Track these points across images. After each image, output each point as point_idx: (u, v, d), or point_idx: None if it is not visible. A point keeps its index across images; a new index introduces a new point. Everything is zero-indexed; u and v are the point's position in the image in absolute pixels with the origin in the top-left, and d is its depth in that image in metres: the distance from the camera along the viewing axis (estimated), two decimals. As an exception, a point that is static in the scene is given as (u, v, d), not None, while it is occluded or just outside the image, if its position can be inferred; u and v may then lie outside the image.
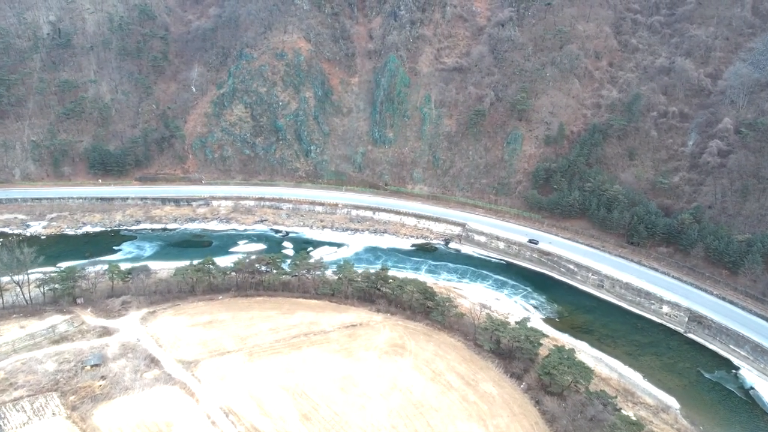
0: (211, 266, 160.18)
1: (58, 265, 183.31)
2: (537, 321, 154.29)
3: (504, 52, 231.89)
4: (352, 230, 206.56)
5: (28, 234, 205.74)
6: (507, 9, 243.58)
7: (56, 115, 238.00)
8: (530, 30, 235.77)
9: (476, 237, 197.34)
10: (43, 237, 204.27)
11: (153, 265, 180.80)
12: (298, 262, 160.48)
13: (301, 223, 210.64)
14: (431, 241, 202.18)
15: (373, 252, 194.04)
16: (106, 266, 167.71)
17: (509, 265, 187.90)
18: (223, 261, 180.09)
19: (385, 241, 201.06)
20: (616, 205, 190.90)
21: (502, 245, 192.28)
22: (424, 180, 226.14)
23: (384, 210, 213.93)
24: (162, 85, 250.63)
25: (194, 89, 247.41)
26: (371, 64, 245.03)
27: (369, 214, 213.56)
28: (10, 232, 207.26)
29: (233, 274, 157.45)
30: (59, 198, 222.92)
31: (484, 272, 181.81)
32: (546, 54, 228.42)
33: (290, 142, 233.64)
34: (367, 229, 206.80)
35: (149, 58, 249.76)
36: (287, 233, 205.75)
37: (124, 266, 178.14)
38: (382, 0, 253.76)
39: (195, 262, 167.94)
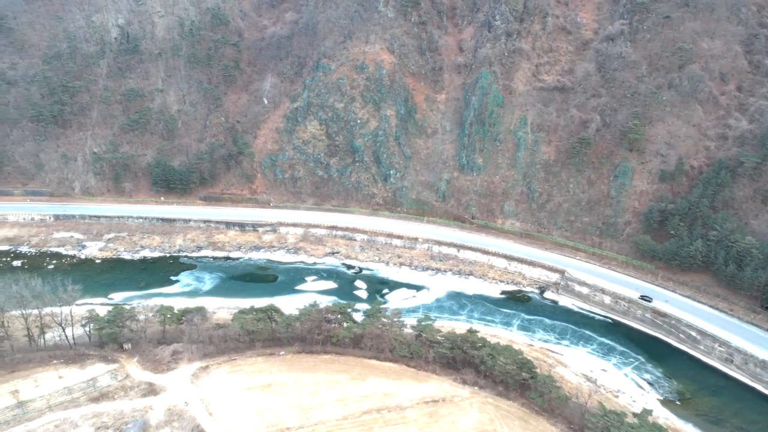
0: (274, 313, 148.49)
1: (110, 296, 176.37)
2: (653, 402, 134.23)
3: (613, 71, 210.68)
4: (433, 270, 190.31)
5: (82, 256, 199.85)
6: (618, 21, 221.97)
7: (120, 126, 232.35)
8: (645, 46, 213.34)
9: (577, 287, 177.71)
10: (98, 261, 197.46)
11: (211, 302, 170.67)
12: (372, 314, 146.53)
13: (377, 258, 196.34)
14: (524, 289, 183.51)
15: (457, 299, 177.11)
16: (158, 306, 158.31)
17: (616, 324, 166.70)
18: (289, 302, 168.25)
19: (471, 286, 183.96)
20: (749, 261, 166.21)
21: (607, 300, 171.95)
22: (517, 214, 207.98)
23: (470, 248, 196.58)
24: (232, 96, 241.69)
25: (266, 101, 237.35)
26: (460, 80, 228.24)
27: (452, 251, 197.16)
28: (65, 253, 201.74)
29: (298, 324, 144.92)
30: (118, 217, 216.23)
31: (587, 332, 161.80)
32: (663, 75, 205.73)
33: (368, 164, 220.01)
34: (450, 270, 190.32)
35: (220, 66, 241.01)
36: (360, 270, 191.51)
37: (181, 302, 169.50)
38: (475, 8, 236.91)
39: (257, 304, 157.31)
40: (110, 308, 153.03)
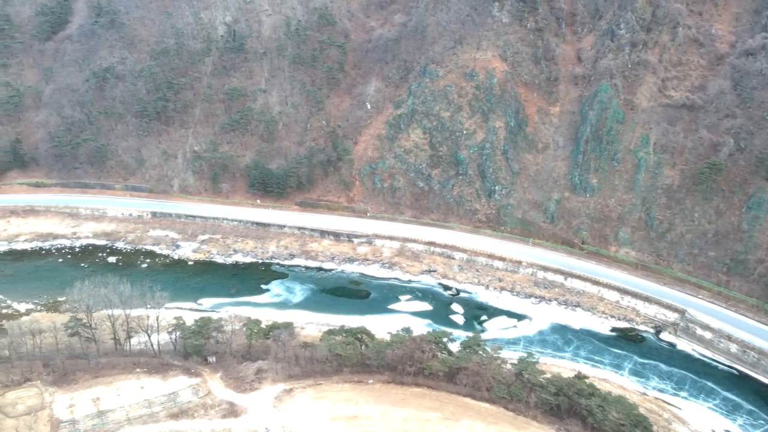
0: (364, 336, 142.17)
1: (199, 301, 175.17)
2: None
3: (751, 90, 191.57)
4: (536, 298, 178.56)
5: (176, 256, 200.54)
6: (759, 35, 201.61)
7: (221, 125, 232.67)
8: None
9: (699, 331, 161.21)
10: (190, 262, 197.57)
11: (300, 316, 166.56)
12: (470, 346, 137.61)
13: (476, 280, 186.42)
14: (637, 327, 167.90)
15: (562, 333, 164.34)
16: (245, 318, 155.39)
17: (743, 377, 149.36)
18: (380, 323, 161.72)
19: (578, 319, 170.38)
20: None
21: (734, 348, 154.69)
22: (632, 243, 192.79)
23: (578, 276, 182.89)
24: (335, 99, 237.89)
25: (369, 106, 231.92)
26: (577, 92, 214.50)
27: (559, 278, 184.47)
28: (159, 252, 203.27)
29: (389, 351, 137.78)
30: (214, 218, 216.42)
31: (709, 384, 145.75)
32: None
33: (471, 178, 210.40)
34: (556, 299, 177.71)
35: (324, 68, 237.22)
36: (458, 292, 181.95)
37: (269, 314, 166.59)
38: (597, 15, 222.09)
39: (347, 323, 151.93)
40: (197, 317, 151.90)
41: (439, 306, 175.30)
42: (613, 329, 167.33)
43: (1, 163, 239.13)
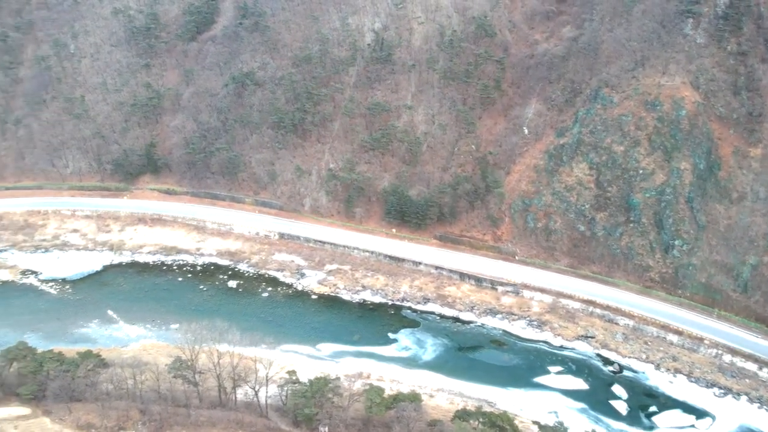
0: (506, 425, 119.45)
1: (317, 345, 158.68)
2: None
3: None
4: (721, 389, 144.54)
5: (299, 287, 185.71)
6: None
7: (360, 143, 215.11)
8: None
9: None
10: (314, 296, 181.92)
11: (429, 379, 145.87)
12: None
13: (644, 356, 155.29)
14: None
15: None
16: (366, 385, 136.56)
17: None
18: (523, 399, 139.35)
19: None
20: None
21: None
22: None
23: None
24: (487, 121, 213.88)
25: (526, 131, 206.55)
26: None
27: (752, 367, 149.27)
28: (282, 280, 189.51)
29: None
30: (344, 246, 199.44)
31: None
32: None
33: (645, 227, 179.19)
34: (746, 394, 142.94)
35: (478, 85, 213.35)
36: (621, 369, 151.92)
37: (394, 372, 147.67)
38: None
39: (483, 395, 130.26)
40: (313, 375, 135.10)
41: (597, 385, 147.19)
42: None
43: (135, 167, 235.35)
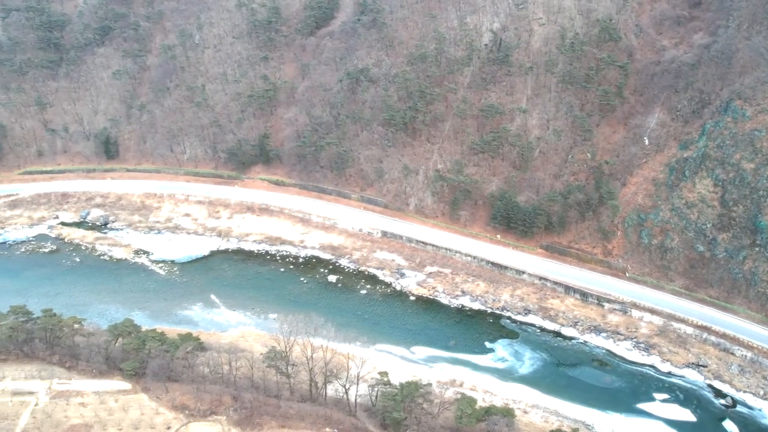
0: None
1: (412, 348, 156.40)
2: None
3: None
4: None
5: (398, 287, 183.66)
6: None
7: (469, 145, 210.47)
8: None
9: None
10: (412, 297, 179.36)
11: (524, 394, 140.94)
12: None
13: (762, 392, 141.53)
14: None
15: None
16: (458, 394, 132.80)
17: None
18: (624, 426, 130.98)
19: None
20: None
21: None
22: None
23: None
24: (605, 129, 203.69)
25: (647, 142, 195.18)
26: None
27: None
28: (381, 278, 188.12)
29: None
30: (446, 248, 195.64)
31: None
32: None
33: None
34: None
35: (598, 91, 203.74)
36: (734, 402, 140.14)
37: (488, 382, 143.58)
38: None
39: (582, 416, 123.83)
40: (404, 379, 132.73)
41: (706, 418, 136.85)
42: None
43: (248, 157, 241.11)
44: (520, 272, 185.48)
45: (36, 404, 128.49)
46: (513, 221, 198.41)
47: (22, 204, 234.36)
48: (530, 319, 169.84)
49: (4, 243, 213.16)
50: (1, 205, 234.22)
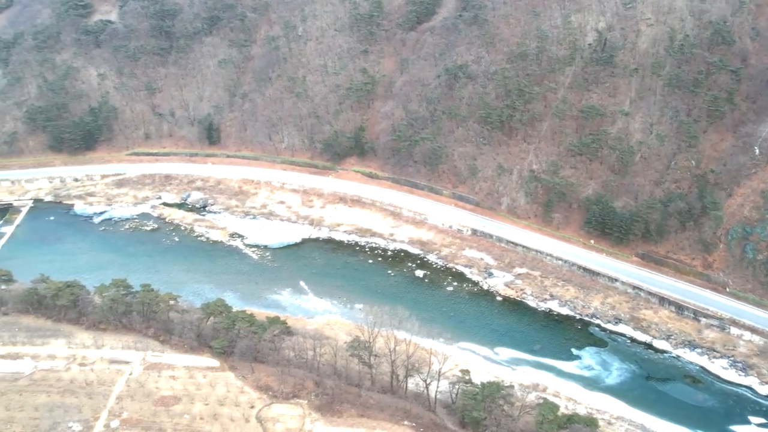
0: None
1: (496, 349, 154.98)
2: None
3: None
4: None
5: (485, 286, 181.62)
6: None
7: (567, 147, 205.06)
8: None
9: None
10: (498, 298, 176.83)
11: (609, 404, 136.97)
12: None
13: None
14: None
15: None
16: (540, 398, 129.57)
17: None
18: None
19: None
20: None
21: None
22: None
23: None
24: (713, 137, 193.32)
25: (758, 152, 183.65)
26: None
27: None
28: (468, 276, 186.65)
29: None
30: (537, 250, 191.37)
31: None
32: None
33: None
34: None
35: (707, 96, 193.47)
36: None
37: (572, 389, 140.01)
38: None
39: None
40: (486, 379, 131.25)
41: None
42: None
43: (343, 149, 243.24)
44: (613, 279, 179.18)
45: (130, 373, 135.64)
46: (608, 227, 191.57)
47: (128, 183, 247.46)
48: (620, 328, 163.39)
49: (110, 219, 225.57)
50: (109, 183, 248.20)
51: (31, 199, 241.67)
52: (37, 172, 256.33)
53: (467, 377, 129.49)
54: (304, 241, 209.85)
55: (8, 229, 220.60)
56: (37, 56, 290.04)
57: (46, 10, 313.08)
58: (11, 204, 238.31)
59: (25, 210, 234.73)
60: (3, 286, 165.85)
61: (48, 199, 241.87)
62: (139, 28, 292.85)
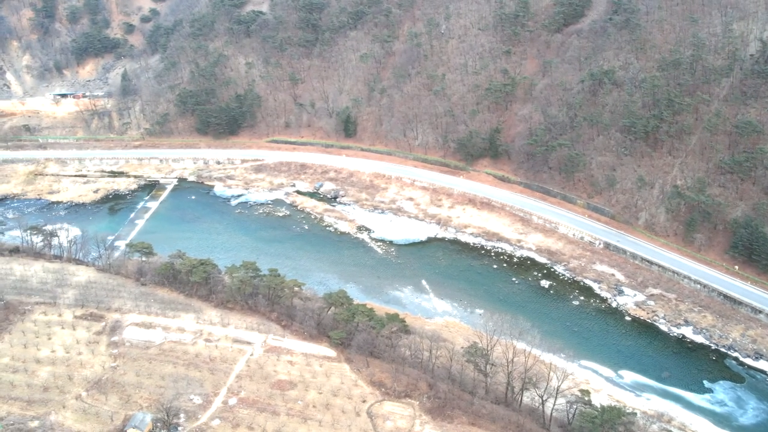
0: None
1: (620, 372, 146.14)
2: None
3: None
4: None
5: (613, 304, 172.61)
6: None
7: (716, 163, 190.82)
8: None
9: None
10: (627, 317, 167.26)
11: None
12: None
13: None
14: None
15: None
16: (665, 428, 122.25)
17: None
18: None
19: None
20: None
21: None
22: None
23: None
24: None
25: None
26: None
27: None
28: (597, 292, 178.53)
29: None
30: (673, 271, 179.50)
31: None
32: None
33: None
34: None
35: None
36: None
37: (698, 425, 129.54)
38: None
39: None
40: (607, 401, 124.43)
41: None
42: None
43: (477, 149, 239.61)
44: (757, 311, 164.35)
45: (251, 354, 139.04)
46: (756, 253, 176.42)
47: (266, 169, 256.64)
48: (761, 364, 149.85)
49: (246, 202, 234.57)
50: (248, 168, 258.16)
51: (176, 177, 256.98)
52: (184, 153, 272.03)
53: (587, 398, 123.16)
54: (430, 240, 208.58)
55: (153, 205, 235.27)
56: (192, 43, 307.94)
57: (204, 0, 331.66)
58: (158, 181, 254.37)
59: (169, 188, 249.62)
60: (144, 258, 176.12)
61: (191, 179, 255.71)
62: (287, 20, 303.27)
